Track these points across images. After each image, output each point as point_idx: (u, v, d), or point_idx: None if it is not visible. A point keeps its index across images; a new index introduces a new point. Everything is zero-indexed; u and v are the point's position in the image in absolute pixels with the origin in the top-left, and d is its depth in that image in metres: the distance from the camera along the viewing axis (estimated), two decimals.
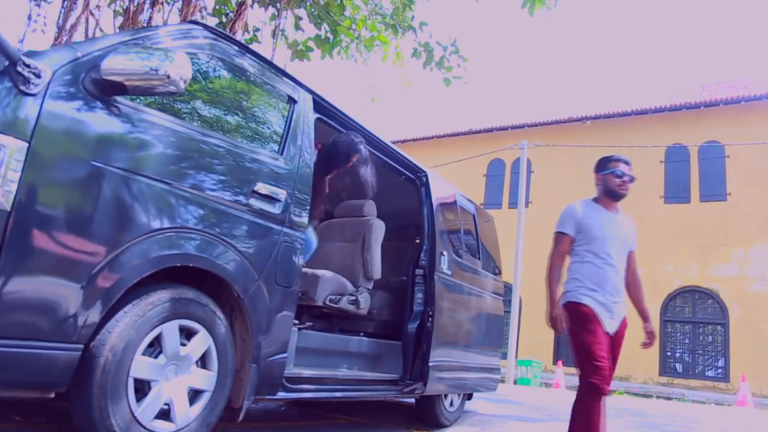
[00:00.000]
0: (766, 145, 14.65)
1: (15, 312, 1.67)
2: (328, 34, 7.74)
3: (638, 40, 52.89)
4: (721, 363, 15.01)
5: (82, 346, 1.83)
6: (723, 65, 43.30)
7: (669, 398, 13.54)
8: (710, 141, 16.18)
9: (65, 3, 5.41)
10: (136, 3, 5.99)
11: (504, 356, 13.40)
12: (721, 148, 15.96)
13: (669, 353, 15.70)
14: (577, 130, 17.87)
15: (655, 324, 15.48)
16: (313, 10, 7.54)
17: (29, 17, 5.45)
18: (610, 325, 3.00)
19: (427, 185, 4.29)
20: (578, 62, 53.38)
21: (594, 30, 55.67)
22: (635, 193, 15.98)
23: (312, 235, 3.68)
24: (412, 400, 4.65)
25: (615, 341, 3.05)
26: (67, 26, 5.34)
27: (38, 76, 1.74)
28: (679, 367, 15.56)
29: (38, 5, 5.51)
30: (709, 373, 15.17)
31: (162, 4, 6.33)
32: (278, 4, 7.05)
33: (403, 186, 4.41)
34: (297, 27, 7.66)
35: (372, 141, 3.79)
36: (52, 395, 1.86)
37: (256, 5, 7.13)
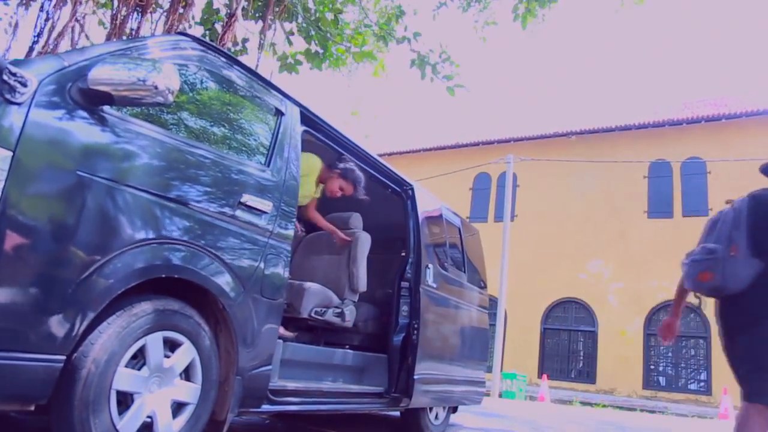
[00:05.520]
0: (746, 161, 14.90)
1: None
2: (318, 48, 7.79)
3: (622, 56, 53.74)
4: (703, 376, 15.14)
5: (64, 357, 1.80)
6: (704, 83, 44.13)
7: (652, 411, 13.60)
8: (692, 157, 16.43)
9: (43, 11, 5.36)
10: (123, 12, 5.97)
11: (489, 369, 13.41)
12: (703, 164, 16.21)
13: (653, 367, 15.81)
14: (563, 144, 18.06)
15: (639, 338, 15.75)
16: (303, 24, 7.59)
17: (16, 26, 5.40)
18: None
19: (413, 198, 4.30)
20: (563, 78, 54.09)
21: (579, 46, 56.48)
22: (620, 208, 16.06)
23: None
24: (398, 413, 4.63)
25: None
26: (53, 35, 5.31)
27: (24, 85, 1.73)
28: (662, 380, 15.66)
29: (26, 12, 5.47)
30: (692, 387, 15.29)
31: (150, 13, 6.32)
32: (268, 18, 7.08)
33: (389, 199, 4.43)
34: (289, 42, 7.70)
35: (358, 154, 3.81)
36: (32, 408, 1.83)
37: (243, 17, 7.15)
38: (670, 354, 15.76)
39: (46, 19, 5.25)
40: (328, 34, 7.60)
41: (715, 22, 51.46)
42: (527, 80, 52.72)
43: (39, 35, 5.21)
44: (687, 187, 16.38)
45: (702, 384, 15.11)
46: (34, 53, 5.10)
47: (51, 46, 5.16)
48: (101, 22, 6.60)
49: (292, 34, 7.75)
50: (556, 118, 21.11)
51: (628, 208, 16.72)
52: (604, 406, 13.62)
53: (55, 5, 5.30)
